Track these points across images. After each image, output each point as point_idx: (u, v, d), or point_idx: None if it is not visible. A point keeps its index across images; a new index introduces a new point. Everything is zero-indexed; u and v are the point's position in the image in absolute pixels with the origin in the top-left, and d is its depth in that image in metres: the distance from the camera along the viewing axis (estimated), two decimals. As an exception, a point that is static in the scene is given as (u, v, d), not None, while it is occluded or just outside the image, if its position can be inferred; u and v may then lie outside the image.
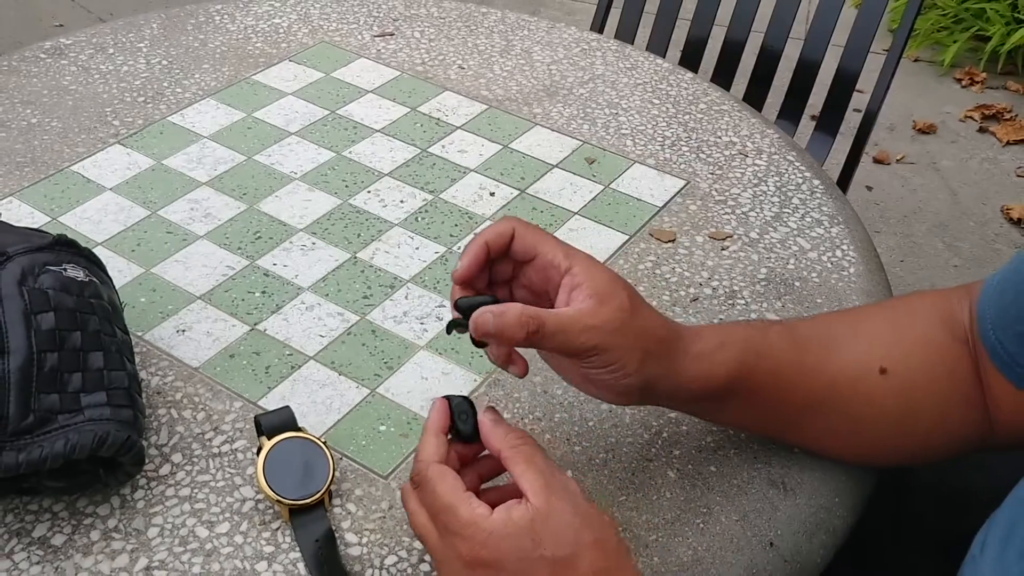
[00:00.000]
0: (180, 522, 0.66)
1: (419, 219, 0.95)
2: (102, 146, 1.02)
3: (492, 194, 0.98)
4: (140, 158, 1.01)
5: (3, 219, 0.75)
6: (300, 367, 0.78)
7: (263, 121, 1.08)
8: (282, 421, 0.69)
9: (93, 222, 0.92)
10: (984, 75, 3.06)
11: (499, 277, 0.65)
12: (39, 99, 1.09)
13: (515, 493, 0.57)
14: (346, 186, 0.99)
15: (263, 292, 0.85)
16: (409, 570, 0.64)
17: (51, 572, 0.63)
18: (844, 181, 1.44)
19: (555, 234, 0.92)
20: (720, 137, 1.08)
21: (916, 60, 3.16)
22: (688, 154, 1.05)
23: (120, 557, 0.64)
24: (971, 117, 2.88)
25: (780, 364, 0.67)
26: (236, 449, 0.71)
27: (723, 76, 1.49)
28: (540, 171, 1.02)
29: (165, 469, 0.70)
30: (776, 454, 0.73)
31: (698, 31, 1.53)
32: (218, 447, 0.72)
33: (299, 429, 0.68)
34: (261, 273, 0.87)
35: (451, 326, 0.63)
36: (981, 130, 2.84)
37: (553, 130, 1.08)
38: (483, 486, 0.63)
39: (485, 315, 0.60)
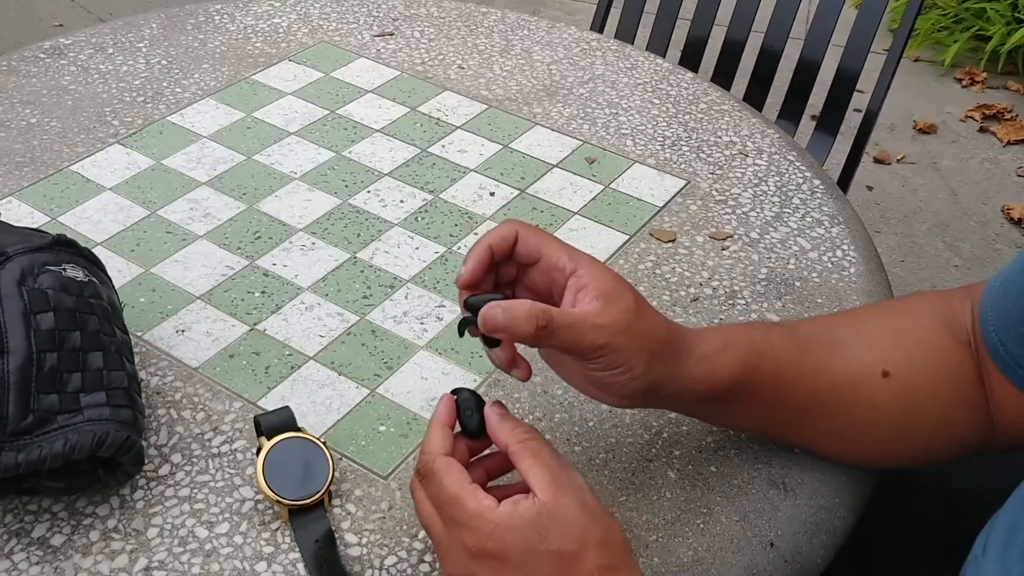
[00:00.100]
0: (179, 522, 0.66)
1: (419, 219, 0.95)
2: (101, 146, 1.02)
3: (492, 194, 0.98)
4: (139, 158, 1.01)
5: (2, 219, 0.75)
6: (300, 367, 0.78)
7: (263, 121, 1.08)
8: (282, 421, 0.69)
9: (92, 222, 0.92)
10: (984, 75, 3.06)
11: (503, 280, 0.65)
12: (38, 99, 1.09)
13: (523, 491, 0.57)
14: (346, 186, 0.98)
15: (263, 292, 0.85)
16: (409, 570, 0.64)
17: (50, 572, 0.63)
18: (844, 181, 1.44)
19: (555, 234, 0.92)
20: (720, 137, 1.08)
21: (916, 60, 3.16)
22: (688, 154, 1.05)
23: (119, 557, 0.64)
24: (971, 117, 2.88)
25: (782, 365, 0.67)
26: (236, 449, 0.71)
27: (723, 76, 1.49)
28: (540, 171, 1.02)
29: (164, 469, 0.70)
30: (776, 454, 0.73)
31: (698, 31, 1.53)
32: (217, 447, 0.71)
33: (299, 429, 0.68)
34: (261, 273, 0.87)
35: (463, 325, 0.63)
36: (982, 130, 2.84)
37: (553, 130, 1.08)
38: (490, 483, 0.63)
39: (494, 309, 0.59)
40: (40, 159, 1.00)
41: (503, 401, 0.76)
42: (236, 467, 0.70)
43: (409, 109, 1.11)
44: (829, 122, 1.47)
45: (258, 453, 0.66)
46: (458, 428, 0.63)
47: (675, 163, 1.04)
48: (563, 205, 0.97)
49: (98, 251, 0.80)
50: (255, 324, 0.82)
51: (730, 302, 0.86)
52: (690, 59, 1.52)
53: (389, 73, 1.17)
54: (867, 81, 1.43)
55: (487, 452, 0.64)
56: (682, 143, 1.07)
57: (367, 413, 0.75)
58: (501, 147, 1.05)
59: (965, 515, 0.67)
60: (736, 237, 0.94)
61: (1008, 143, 2.78)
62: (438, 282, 0.87)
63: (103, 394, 0.65)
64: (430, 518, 0.59)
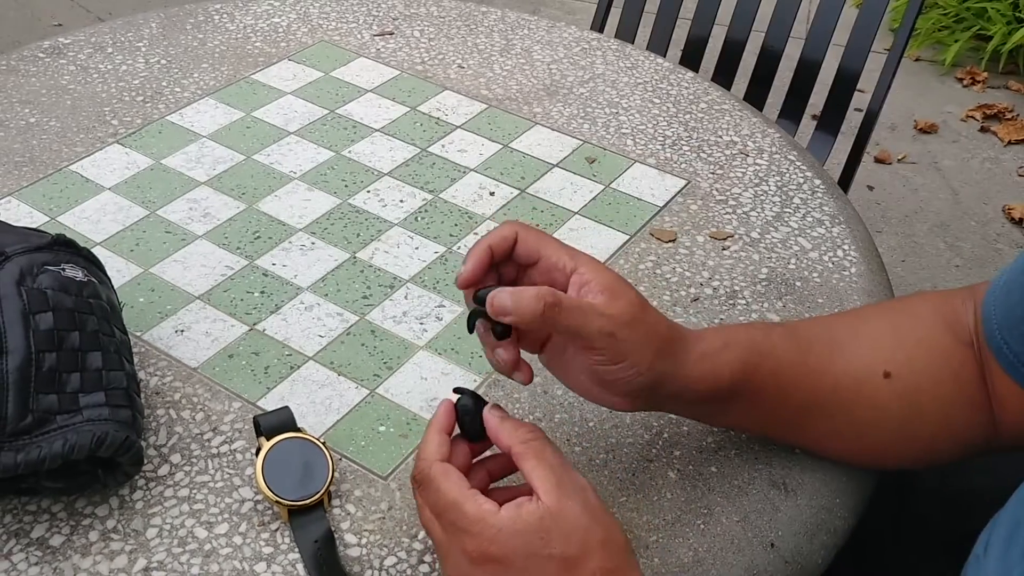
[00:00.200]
0: (179, 523, 0.66)
1: (419, 219, 0.94)
2: (101, 146, 1.02)
3: (492, 194, 0.98)
4: (139, 158, 1.01)
5: (1, 219, 0.75)
6: (299, 367, 0.78)
7: (262, 120, 1.07)
8: (281, 421, 0.68)
9: (92, 222, 0.92)
10: (985, 75, 3.06)
11: (503, 281, 0.65)
12: (38, 98, 1.09)
13: (525, 493, 0.57)
14: (345, 186, 0.98)
15: (262, 292, 0.85)
16: (408, 571, 0.64)
17: (49, 573, 0.63)
18: (845, 181, 1.44)
19: (555, 234, 0.93)
20: (721, 137, 1.08)
21: (917, 60, 3.16)
22: (689, 154, 1.05)
23: (119, 558, 0.64)
24: (972, 117, 2.88)
25: (783, 365, 0.67)
26: (235, 450, 0.71)
27: (724, 75, 1.49)
28: (540, 171, 1.02)
29: (164, 470, 0.70)
30: (777, 455, 0.72)
31: (699, 30, 1.52)
32: (217, 447, 0.71)
33: (298, 430, 0.68)
34: (260, 273, 0.87)
35: (472, 318, 0.63)
36: (982, 130, 2.84)
37: (553, 129, 1.08)
38: (492, 485, 0.63)
39: (502, 292, 0.59)
40: (39, 159, 0.99)
41: (504, 402, 0.76)
42: (235, 467, 0.70)
43: (409, 109, 1.11)
44: (830, 122, 1.47)
45: (257, 453, 0.66)
46: (458, 431, 0.63)
47: (675, 163, 1.04)
48: (563, 205, 0.97)
49: (97, 251, 0.79)
50: (254, 324, 0.82)
51: (731, 302, 0.86)
52: (690, 58, 1.52)
53: (389, 72, 1.17)
54: (868, 81, 1.43)
55: (488, 454, 0.64)
56: (682, 143, 1.07)
57: (367, 413, 0.75)
58: (501, 147, 1.05)
59: (966, 515, 0.66)
60: (737, 237, 0.93)
61: (1009, 143, 2.78)
62: (438, 282, 0.87)
63: (102, 394, 0.65)
64: (430, 523, 0.59)
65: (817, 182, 1.02)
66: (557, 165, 1.03)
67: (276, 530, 0.66)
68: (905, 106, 2.88)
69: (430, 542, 0.65)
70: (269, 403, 0.75)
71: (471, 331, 0.64)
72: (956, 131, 2.84)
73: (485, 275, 0.62)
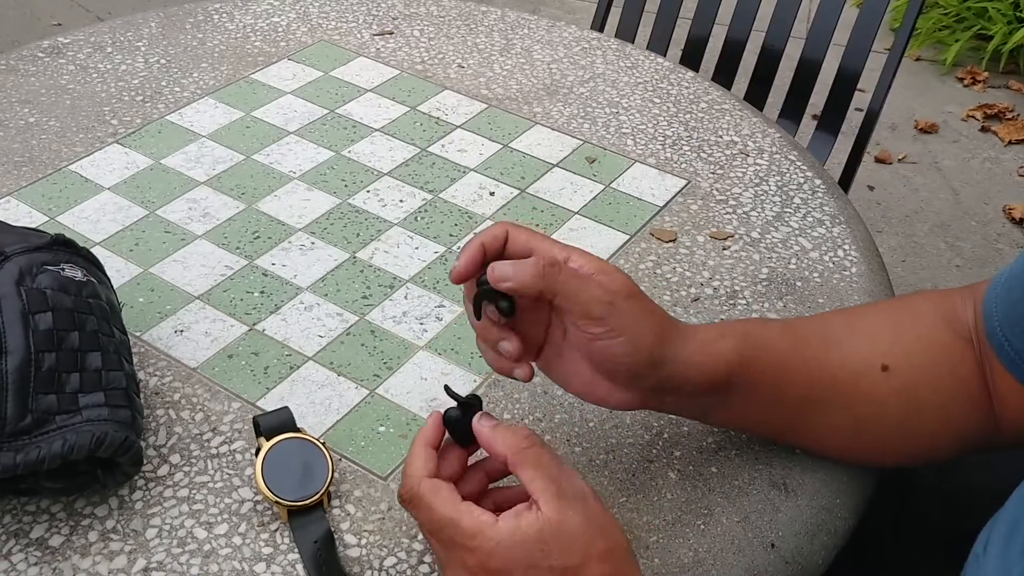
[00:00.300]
0: (178, 523, 0.66)
1: (419, 219, 0.94)
2: (100, 145, 1.02)
3: (492, 194, 0.98)
4: (138, 157, 1.01)
5: (1, 219, 0.75)
6: (299, 367, 0.78)
7: (262, 120, 1.07)
8: (281, 422, 0.68)
9: (91, 222, 0.92)
10: (986, 74, 3.05)
11: None
12: (37, 98, 1.09)
13: (525, 498, 0.57)
14: (345, 186, 0.98)
15: (262, 292, 0.85)
16: (408, 571, 0.64)
17: (49, 573, 0.63)
18: (846, 181, 1.44)
19: (555, 234, 0.92)
20: (721, 136, 1.08)
21: (918, 59, 3.15)
22: (689, 153, 1.05)
23: (118, 558, 0.64)
24: (973, 116, 2.88)
25: (779, 357, 0.67)
26: (235, 450, 0.71)
27: (724, 75, 1.49)
28: (540, 170, 1.02)
29: (163, 470, 0.69)
30: (777, 455, 0.72)
31: (699, 30, 1.52)
32: (216, 448, 0.71)
33: (298, 430, 0.68)
34: (260, 273, 0.87)
35: (478, 300, 0.62)
36: (983, 130, 2.83)
37: (553, 129, 1.08)
38: (491, 485, 0.63)
39: (502, 263, 0.60)
40: (39, 159, 0.99)
41: (503, 403, 0.75)
42: (235, 468, 0.70)
43: (409, 108, 1.11)
44: (830, 121, 1.47)
45: (257, 454, 0.66)
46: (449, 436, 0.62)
47: (676, 163, 1.04)
48: (563, 205, 0.97)
49: (97, 251, 0.79)
50: (254, 324, 0.82)
51: (731, 302, 0.86)
52: (691, 58, 1.52)
53: (389, 72, 1.17)
54: (868, 80, 1.43)
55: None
56: (683, 142, 1.07)
57: (366, 413, 0.74)
58: (501, 147, 1.05)
59: (966, 514, 0.66)
60: (737, 237, 0.93)
61: (1009, 143, 2.77)
62: (438, 282, 0.87)
63: (101, 394, 0.65)
64: (429, 538, 0.58)
65: (817, 182, 1.01)
66: (557, 165, 1.03)
67: (276, 530, 0.66)
68: (905, 106, 2.88)
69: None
70: (269, 403, 0.75)
71: (479, 317, 0.63)
72: (956, 131, 2.83)
73: (478, 271, 0.63)
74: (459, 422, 0.61)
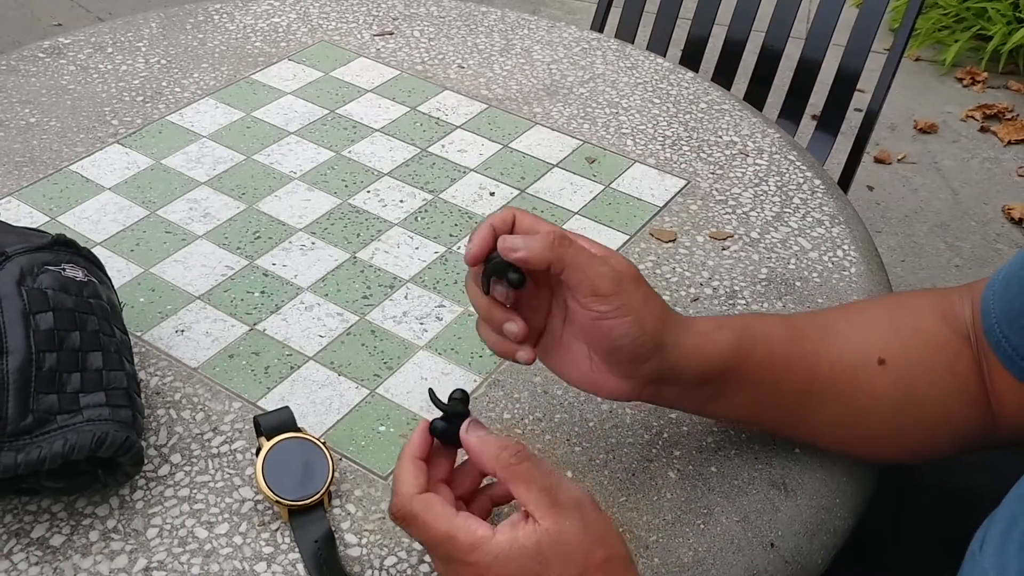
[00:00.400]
0: (179, 523, 0.66)
1: (419, 219, 0.94)
2: (101, 146, 1.02)
3: (492, 194, 0.98)
4: (139, 158, 1.01)
5: (2, 219, 0.75)
6: (299, 367, 0.78)
7: (262, 120, 1.08)
8: (281, 421, 0.69)
9: (92, 222, 0.92)
10: (985, 75, 3.06)
11: None
12: (38, 98, 1.09)
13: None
14: (345, 186, 0.98)
15: (262, 292, 0.85)
16: (408, 571, 0.64)
17: (50, 573, 0.63)
18: (845, 181, 1.44)
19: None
20: (721, 137, 1.08)
21: (917, 60, 3.16)
22: (689, 154, 1.05)
23: (119, 558, 0.64)
24: (972, 117, 2.88)
25: (776, 349, 0.67)
26: (235, 450, 0.71)
27: (724, 75, 1.49)
28: (540, 171, 1.02)
29: (164, 470, 0.70)
30: (777, 455, 0.72)
31: (699, 30, 1.52)
32: (217, 447, 0.71)
33: (298, 429, 0.68)
34: (260, 273, 0.87)
35: (487, 275, 0.62)
36: (982, 130, 2.84)
37: (553, 130, 1.08)
38: (487, 479, 0.63)
39: (514, 236, 0.61)
40: (39, 159, 0.99)
41: (503, 403, 0.76)
42: (236, 467, 0.70)
43: (409, 109, 1.11)
44: (830, 122, 1.47)
45: (258, 453, 0.66)
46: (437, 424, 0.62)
47: (675, 163, 1.04)
48: (563, 205, 0.97)
49: (97, 251, 0.79)
50: (255, 324, 0.82)
51: (730, 302, 0.86)
52: (690, 58, 1.52)
53: (389, 72, 1.17)
54: (868, 81, 1.43)
55: None
56: (682, 143, 1.07)
57: (367, 413, 0.75)
58: (501, 147, 1.05)
59: (966, 514, 0.66)
60: (736, 237, 0.94)
61: (1009, 143, 2.78)
62: (438, 282, 0.87)
63: (102, 394, 0.65)
64: (428, 551, 0.58)
65: (817, 182, 1.02)
66: (557, 165, 1.03)
67: (276, 530, 0.66)
68: (905, 106, 2.88)
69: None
70: (269, 403, 0.75)
71: (487, 292, 0.63)
72: (956, 131, 2.84)
73: (490, 251, 0.63)
74: (446, 432, 0.61)
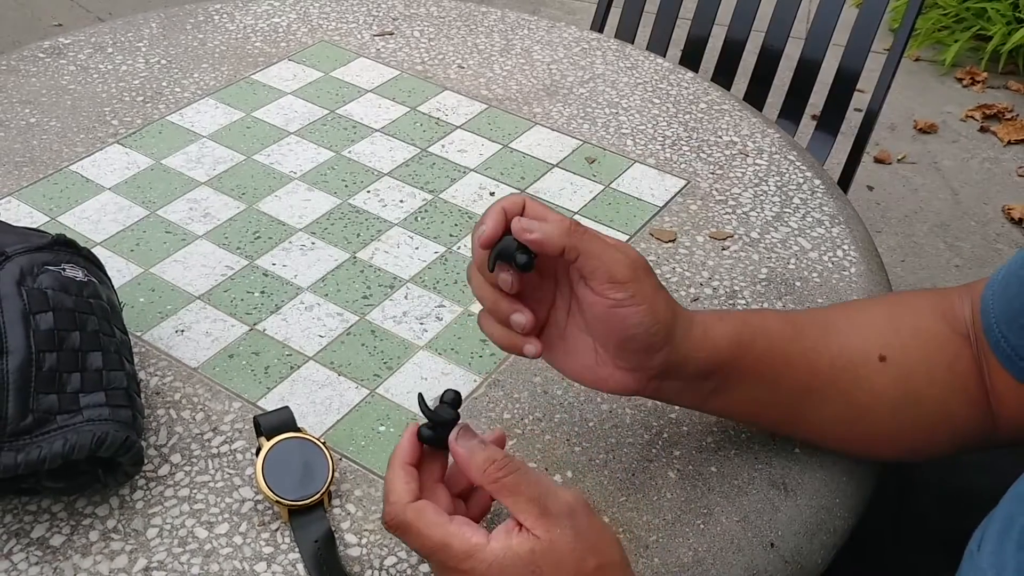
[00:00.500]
0: (179, 523, 0.66)
1: (419, 219, 0.94)
2: (101, 146, 1.02)
3: (492, 194, 0.98)
4: (139, 158, 1.01)
5: (2, 219, 0.75)
6: (299, 367, 0.78)
7: (262, 121, 1.08)
8: (281, 421, 0.69)
9: (92, 222, 0.92)
10: (985, 75, 3.06)
11: None
12: (38, 99, 1.09)
13: None
14: (345, 186, 0.98)
15: (262, 292, 0.85)
16: (408, 571, 0.64)
17: (50, 573, 0.63)
18: (845, 181, 1.44)
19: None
20: (721, 137, 1.08)
21: (917, 60, 3.16)
22: (688, 154, 1.05)
23: (119, 558, 0.64)
24: (972, 117, 2.88)
25: (777, 344, 0.67)
26: (235, 450, 0.71)
27: (724, 75, 1.49)
28: (540, 171, 1.02)
29: (164, 470, 0.70)
30: (777, 455, 0.72)
31: (698, 30, 1.52)
32: (217, 447, 0.71)
33: (298, 429, 0.68)
34: (260, 273, 0.87)
35: (493, 260, 0.61)
36: (982, 130, 2.84)
37: (553, 130, 1.08)
38: None
39: (529, 219, 0.60)
40: (39, 159, 1.00)
41: (503, 403, 0.76)
42: (236, 467, 0.70)
43: (409, 109, 1.11)
44: (829, 122, 1.47)
45: (258, 453, 0.66)
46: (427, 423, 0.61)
47: (675, 163, 1.04)
48: (563, 205, 0.97)
49: (97, 251, 0.79)
50: (255, 324, 0.82)
51: (730, 302, 0.86)
52: (690, 59, 1.52)
53: (389, 73, 1.17)
54: (868, 81, 1.43)
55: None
56: (682, 143, 1.07)
57: (367, 413, 0.75)
58: (501, 147, 1.05)
59: (966, 514, 0.66)
60: (736, 237, 0.94)
61: (1009, 143, 2.78)
62: (438, 282, 0.87)
63: (102, 394, 0.65)
64: (424, 558, 0.59)
65: (817, 182, 1.02)
66: (557, 165, 1.03)
67: (276, 530, 0.66)
68: (905, 106, 2.88)
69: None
70: (269, 403, 0.75)
71: (491, 271, 0.62)
72: (956, 131, 2.84)
73: (503, 233, 0.62)
74: (434, 439, 0.60)
